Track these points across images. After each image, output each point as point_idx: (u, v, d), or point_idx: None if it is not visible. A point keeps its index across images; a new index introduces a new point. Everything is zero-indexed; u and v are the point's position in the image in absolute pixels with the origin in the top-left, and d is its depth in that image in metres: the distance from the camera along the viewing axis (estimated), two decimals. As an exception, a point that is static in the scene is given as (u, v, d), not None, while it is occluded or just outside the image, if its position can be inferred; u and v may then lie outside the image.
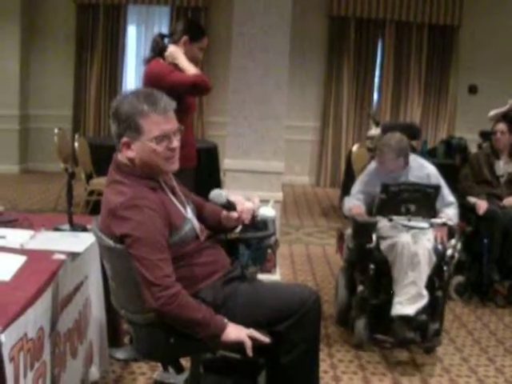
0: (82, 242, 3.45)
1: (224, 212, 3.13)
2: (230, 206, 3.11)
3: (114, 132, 2.85)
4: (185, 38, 4.55)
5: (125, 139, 2.80)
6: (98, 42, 11.43)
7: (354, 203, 4.95)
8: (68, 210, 3.71)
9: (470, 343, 4.93)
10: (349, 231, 4.91)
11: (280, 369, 3.00)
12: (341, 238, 5.28)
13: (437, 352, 4.68)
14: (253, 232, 3.51)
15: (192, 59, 4.58)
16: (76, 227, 3.69)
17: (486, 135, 7.40)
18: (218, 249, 3.10)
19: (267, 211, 3.70)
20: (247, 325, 2.83)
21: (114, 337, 4.03)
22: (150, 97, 2.81)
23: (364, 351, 4.67)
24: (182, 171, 3.98)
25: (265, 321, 2.91)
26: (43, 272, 2.90)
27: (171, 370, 3.09)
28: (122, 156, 2.88)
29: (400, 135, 4.83)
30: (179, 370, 3.05)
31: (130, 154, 2.81)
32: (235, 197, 3.15)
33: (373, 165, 5.08)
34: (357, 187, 5.08)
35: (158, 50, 4.62)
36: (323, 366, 4.21)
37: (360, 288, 4.65)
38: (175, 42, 4.59)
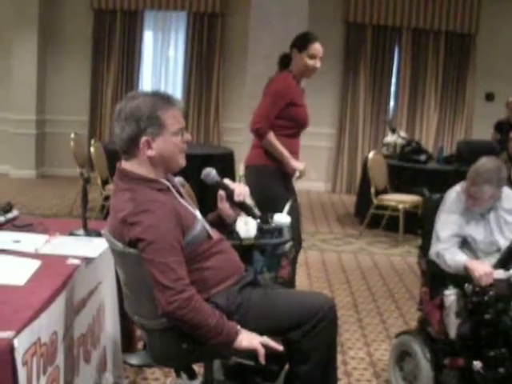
0: (97, 247, 3.44)
1: (219, 193, 3.11)
2: (220, 184, 3.09)
3: (127, 134, 2.78)
4: (294, 51, 4.71)
5: (145, 138, 2.76)
6: (115, 48, 11.45)
7: (464, 257, 3.80)
8: (83, 214, 3.72)
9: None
10: (452, 295, 3.79)
11: (296, 378, 2.98)
12: (431, 303, 4.00)
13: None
14: (268, 238, 3.51)
15: (304, 69, 4.73)
16: (90, 232, 3.69)
17: (502, 143, 7.36)
18: (232, 254, 3.08)
19: (282, 218, 3.69)
20: (260, 332, 2.81)
21: (127, 342, 4.03)
22: (162, 94, 2.88)
23: (379, 360, 4.65)
24: (287, 177, 4.88)
25: (278, 328, 2.89)
26: (57, 277, 2.91)
27: (184, 375, 3.07)
28: (126, 164, 2.86)
29: (496, 161, 3.95)
30: (192, 376, 3.04)
31: (151, 152, 2.79)
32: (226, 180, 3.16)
33: (456, 197, 3.97)
34: (447, 230, 3.90)
35: (282, 63, 4.87)
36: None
37: (478, 364, 3.53)
38: (289, 64, 4.81)
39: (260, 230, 3.48)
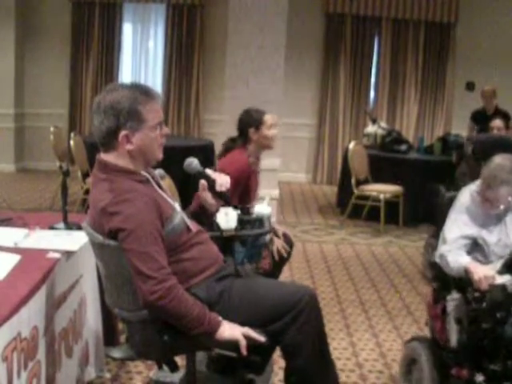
0: (77, 240, 3.43)
1: (201, 182, 3.10)
2: (202, 174, 3.09)
3: (106, 127, 2.75)
4: (251, 130, 4.58)
5: (124, 132, 2.74)
6: (94, 40, 11.39)
7: (467, 259, 3.54)
8: (63, 208, 3.70)
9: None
10: (454, 299, 3.59)
11: (294, 373, 2.99)
12: (434, 307, 3.79)
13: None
14: (249, 229, 3.50)
15: (269, 141, 4.63)
16: (71, 226, 3.67)
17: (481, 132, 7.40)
18: (211, 245, 3.07)
19: (263, 208, 3.69)
20: (242, 322, 2.81)
21: (110, 336, 4.02)
22: (142, 86, 2.86)
23: (362, 350, 4.67)
24: None
25: (260, 318, 2.88)
26: (37, 271, 2.89)
27: (166, 368, 3.06)
28: (106, 155, 2.84)
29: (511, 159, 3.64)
30: (174, 368, 3.03)
31: (130, 146, 2.77)
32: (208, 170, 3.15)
33: (470, 197, 3.70)
34: (455, 231, 3.65)
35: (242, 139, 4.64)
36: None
37: (480, 377, 3.27)
38: (247, 142, 4.61)
39: (240, 221, 3.48)
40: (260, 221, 3.60)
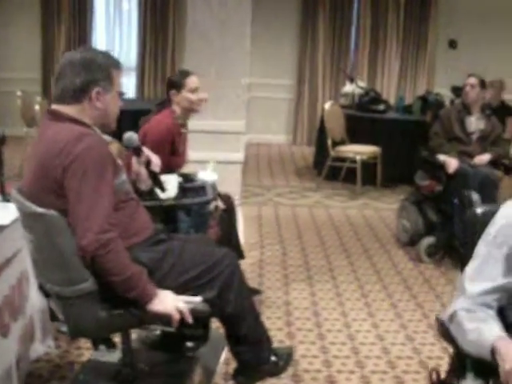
0: (12, 213, 3.23)
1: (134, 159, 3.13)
2: (139, 150, 3.11)
3: (82, 81, 2.70)
4: (172, 92, 4.43)
5: (98, 89, 2.73)
6: (65, 3, 11.10)
7: (496, 331, 2.18)
8: (-1, 178, 3.51)
9: (439, 308, 4.73)
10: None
11: (241, 342, 3.05)
12: None
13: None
14: (190, 198, 3.34)
15: (190, 104, 4.45)
16: (8, 197, 3.47)
17: (457, 90, 7.16)
18: (144, 212, 2.97)
19: (207, 175, 3.51)
20: (179, 287, 2.78)
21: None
22: (114, 56, 2.89)
23: (326, 320, 4.51)
24: None
25: (193, 284, 2.84)
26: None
27: (102, 347, 2.91)
28: (62, 107, 2.74)
29: None
30: (111, 347, 2.88)
31: (99, 104, 2.75)
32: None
33: (509, 213, 2.34)
34: (481, 279, 2.30)
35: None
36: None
37: None
38: (170, 105, 4.46)
39: (182, 189, 3.32)
40: (203, 188, 3.43)
